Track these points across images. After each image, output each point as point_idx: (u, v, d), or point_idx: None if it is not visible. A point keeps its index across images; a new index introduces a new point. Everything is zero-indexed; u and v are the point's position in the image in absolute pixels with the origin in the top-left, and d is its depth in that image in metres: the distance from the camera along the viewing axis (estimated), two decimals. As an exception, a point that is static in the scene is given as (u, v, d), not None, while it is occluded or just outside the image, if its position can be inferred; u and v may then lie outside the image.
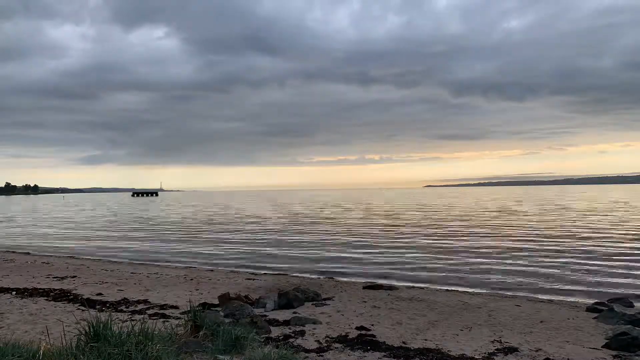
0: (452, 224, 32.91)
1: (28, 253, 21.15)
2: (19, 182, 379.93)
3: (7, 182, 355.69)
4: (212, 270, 15.91)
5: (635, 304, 10.17)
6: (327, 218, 41.69)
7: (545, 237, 23.45)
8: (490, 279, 13.84)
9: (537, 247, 19.92)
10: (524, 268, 15.33)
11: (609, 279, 13.45)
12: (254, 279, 13.65)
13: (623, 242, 21.08)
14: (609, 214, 39.90)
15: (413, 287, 12.65)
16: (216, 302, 9.64)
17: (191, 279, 13.44)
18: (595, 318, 8.77)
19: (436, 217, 40.44)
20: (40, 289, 11.58)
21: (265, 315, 8.53)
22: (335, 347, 6.54)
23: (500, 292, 12.08)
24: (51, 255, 20.12)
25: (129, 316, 8.45)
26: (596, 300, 10.41)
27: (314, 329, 7.65)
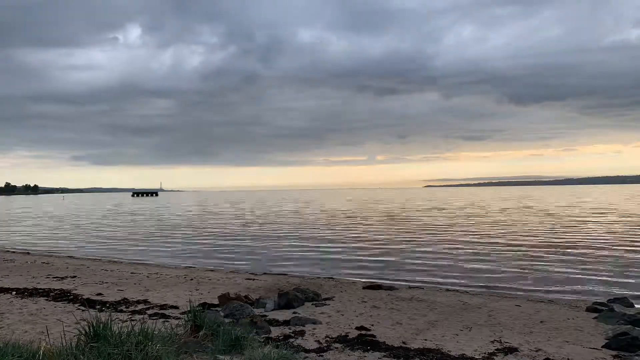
0: (447, 223, 32.92)
1: (28, 253, 21.13)
2: (18, 182, 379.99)
3: (7, 182, 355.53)
4: (212, 270, 15.91)
5: (635, 304, 10.17)
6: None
7: (544, 237, 23.46)
8: (490, 278, 13.84)
9: (536, 247, 19.93)
10: (523, 268, 15.34)
11: (609, 279, 13.45)
12: (254, 279, 13.65)
13: (622, 242, 21.08)
14: (606, 213, 39.91)
15: (413, 287, 12.65)
16: (216, 302, 9.64)
17: (191, 279, 13.44)
18: (595, 318, 8.76)
19: (427, 215, 40.47)
20: (40, 289, 11.58)
21: (265, 316, 8.53)
22: (335, 347, 6.54)
23: (500, 292, 12.08)
24: (51, 255, 20.11)
25: (129, 316, 8.45)
26: (596, 300, 10.41)
27: (314, 329, 7.65)
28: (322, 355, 6.18)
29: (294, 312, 8.90)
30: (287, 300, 9.49)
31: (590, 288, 12.43)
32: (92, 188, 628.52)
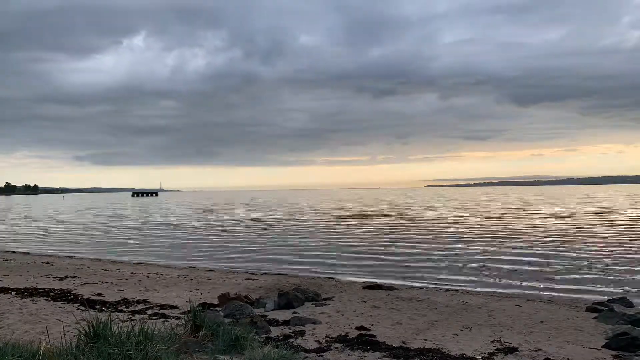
0: (446, 224, 32.91)
1: (28, 253, 21.14)
2: (19, 182, 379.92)
3: (7, 182, 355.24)
4: (212, 270, 15.92)
5: (635, 304, 10.16)
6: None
7: (544, 237, 23.45)
8: (490, 278, 13.84)
9: (536, 247, 19.93)
10: (523, 268, 15.34)
11: (609, 279, 13.45)
12: (253, 279, 13.65)
13: (622, 241, 21.08)
14: (605, 212, 39.90)
15: (413, 287, 12.65)
16: (216, 302, 9.64)
17: (191, 279, 13.44)
18: (595, 318, 8.76)
19: (427, 215, 40.47)
20: (40, 289, 11.58)
21: (265, 315, 8.54)
22: (335, 347, 6.54)
23: (500, 292, 12.08)
24: (51, 255, 20.12)
25: (129, 316, 8.45)
26: (596, 300, 10.41)
27: (314, 329, 7.65)
28: (322, 355, 6.18)
29: (294, 312, 8.90)
30: (287, 300, 9.49)
31: (590, 288, 12.43)
32: (92, 188, 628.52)
